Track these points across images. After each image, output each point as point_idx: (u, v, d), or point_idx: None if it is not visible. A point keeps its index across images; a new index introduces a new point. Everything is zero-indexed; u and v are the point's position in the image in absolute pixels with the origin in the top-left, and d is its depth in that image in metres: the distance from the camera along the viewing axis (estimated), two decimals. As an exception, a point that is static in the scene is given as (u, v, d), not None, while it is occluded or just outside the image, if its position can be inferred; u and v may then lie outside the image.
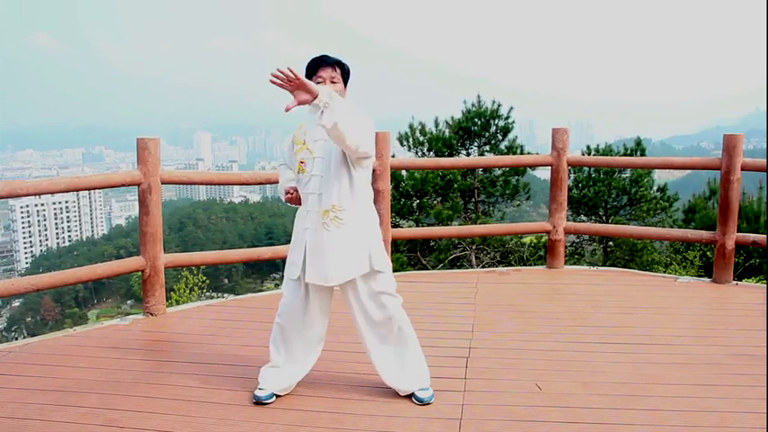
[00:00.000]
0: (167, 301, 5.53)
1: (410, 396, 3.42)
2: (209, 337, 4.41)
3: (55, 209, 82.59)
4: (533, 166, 11.46)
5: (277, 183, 3.61)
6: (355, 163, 3.19)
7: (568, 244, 13.48)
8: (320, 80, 3.20)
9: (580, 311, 4.99)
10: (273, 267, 53.43)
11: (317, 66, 3.24)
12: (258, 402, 3.37)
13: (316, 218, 3.23)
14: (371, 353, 3.42)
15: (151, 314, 4.91)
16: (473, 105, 14.44)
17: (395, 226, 11.25)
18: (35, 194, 4.82)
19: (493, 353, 4.13)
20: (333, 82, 3.22)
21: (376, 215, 3.39)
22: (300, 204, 3.34)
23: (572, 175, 13.66)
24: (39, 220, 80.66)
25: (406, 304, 3.45)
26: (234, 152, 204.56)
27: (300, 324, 3.41)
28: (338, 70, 3.26)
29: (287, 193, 3.36)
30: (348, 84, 3.33)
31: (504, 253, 13.42)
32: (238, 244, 52.65)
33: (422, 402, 3.37)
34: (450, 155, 13.87)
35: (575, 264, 12.13)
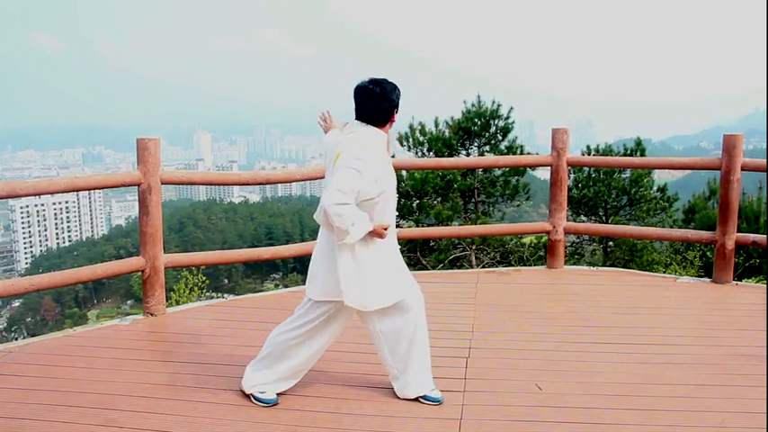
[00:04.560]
0: (167, 301, 5.53)
1: (415, 398, 3.42)
2: (209, 338, 4.40)
3: (55, 209, 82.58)
4: (533, 167, 11.45)
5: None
6: None
7: (568, 244, 13.48)
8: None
9: (580, 311, 4.99)
10: (273, 267, 53.44)
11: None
12: (265, 404, 3.37)
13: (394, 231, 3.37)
14: (392, 356, 3.41)
15: (151, 314, 4.90)
16: (473, 105, 14.43)
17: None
18: (35, 194, 4.82)
19: (493, 353, 4.13)
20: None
21: None
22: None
23: (572, 176, 13.65)
24: (39, 221, 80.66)
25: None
26: (234, 152, 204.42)
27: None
28: None
29: (385, 229, 3.23)
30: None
31: (504, 253, 13.41)
32: (238, 244, 52.65)
33: (438, 402, 3.39)
34: (450, 155, 13.87)
35: (575, 264, 12.13)
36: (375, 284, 3.23)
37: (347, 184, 3.05)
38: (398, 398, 3.42)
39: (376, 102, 3.22)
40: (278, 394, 3.42)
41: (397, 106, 3.29)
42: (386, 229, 3.21)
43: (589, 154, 14.40)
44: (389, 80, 3.29)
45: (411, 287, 3.39)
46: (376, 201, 3.16)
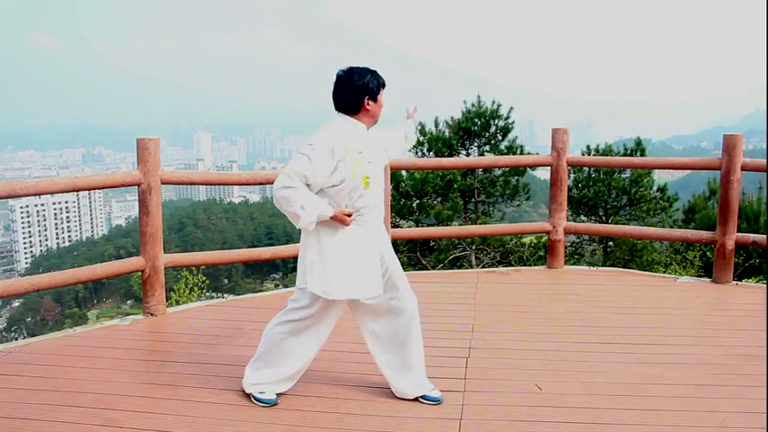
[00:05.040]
0: (167, 301, 5.54)
1: (415, 398, 3.41)
2: (208, 338, 4.40)
3: (55, 209, 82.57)
4: (533, 167, 11.46)
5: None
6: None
7: (568, 244, 13.48)
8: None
9: (580, 311, 4.99)
10: (273, 267, 53.39)
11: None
12: (264, 404, 3.37)
13: (382, 229, 3.34)
14: (386, 357, 3.41)
15: (151, 314, 4.91)
16: (473, 105, 14.45)
17: (395, 226, 11.25)
18: (35, 194, 4.82)
19: (493, 353, 4.13)
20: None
21: None
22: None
23: (572, 176, 13.66)
24: (39, 221, 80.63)
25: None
26: (234, 152, 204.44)
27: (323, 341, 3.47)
28: None
29: (348, 215, 3.16)
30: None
31: (504, 253, 13.42)
32: (238, 244, 52.60)
33: (438, 401, 3.38)
34: (450, 155, 13.87)
35: (575, 264, 12.14)
36: (340, 274, 3.17)
37: (293, 168, 3.08)
38: (398, 398, 3.42)
39: (344, 90, 3.21)
40: (278, 394, 3.41)
41: (369, 93, 3.19)
42: (349, 216, 3.17)
43: (589, 154, 14.41)
44: (368, 68, 3.24)
45: (404, 289, 3.37)
46: (340, 188, 3.15)
